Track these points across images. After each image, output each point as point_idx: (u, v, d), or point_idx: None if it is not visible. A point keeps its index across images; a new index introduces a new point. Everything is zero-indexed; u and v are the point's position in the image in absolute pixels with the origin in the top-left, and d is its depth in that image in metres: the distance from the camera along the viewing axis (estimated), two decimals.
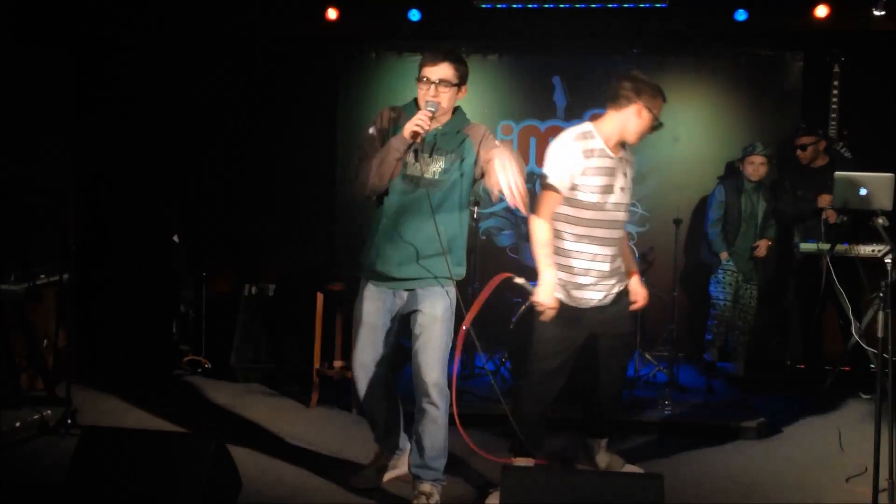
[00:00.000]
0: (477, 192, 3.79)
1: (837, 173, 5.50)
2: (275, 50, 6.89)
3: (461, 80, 3.64)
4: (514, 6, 5.99)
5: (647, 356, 5.94)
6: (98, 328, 6.30)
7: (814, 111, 6.43)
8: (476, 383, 5.79)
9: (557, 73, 6.98)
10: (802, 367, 6.35)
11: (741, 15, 6.01)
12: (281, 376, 6.01)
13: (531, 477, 3.05)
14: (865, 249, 5.58)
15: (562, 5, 6.05)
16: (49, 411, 4.80)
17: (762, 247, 6.25)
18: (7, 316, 5.02)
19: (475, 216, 5.96)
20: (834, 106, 6.31)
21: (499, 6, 5.99)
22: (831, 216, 5.85)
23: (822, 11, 5.95)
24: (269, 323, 6.10)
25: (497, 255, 7.08)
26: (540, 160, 6.99)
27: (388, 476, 4.09)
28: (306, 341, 5.71)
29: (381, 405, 3.91)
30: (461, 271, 3.76)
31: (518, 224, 7.11)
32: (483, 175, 3.64)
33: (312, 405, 5.46)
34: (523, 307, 4.13)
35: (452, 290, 3.74)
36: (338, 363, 5.74)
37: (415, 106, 3.69)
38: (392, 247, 3.67)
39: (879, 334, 3.39)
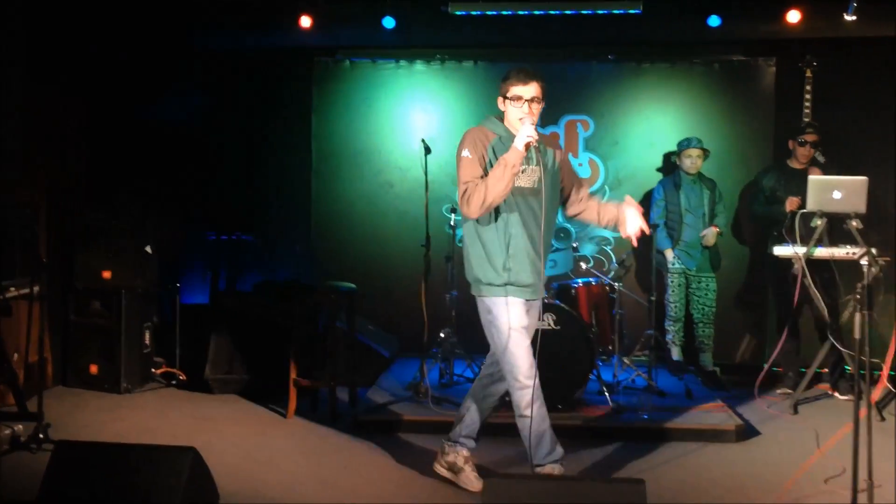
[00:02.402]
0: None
1: (811, 177, 5.53)
2: (248, 59, 6.85)
3: (544, 94, 3.91)
4: (489, 13, 5.97)
5: (626, 361, 5.94)
6: (72, 341, 6.20)
7: (787, 116, 6.48)
8: (455, 391, 5.75)
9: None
10: (780, 369, 6.38)
11: (714, 21, 6.05)
12: (257, 388, 5.93)
13: (514, 486, 3.02)
14: (840, 252, 5.60)
15: (536, 12, 6.04)
16: (20, 426, 4.71)
17: (709, 235, 6.33)
18: None
19: (452, 223, 5.95)
20: (807, 110, 6.37)
21: (473, 13, 5.97)
22: (792, 204, 5.88)
23: (794, 17, 6.00)
24: (245, 334, 6.03)
25: None
26: None
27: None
28: (282, 352, 5.65)
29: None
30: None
31: None
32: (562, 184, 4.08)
33: (290, 416, 5.40)
34: None
35: None
36: (314, 373, 5.69)
37: (496, 121, 4.00)
38: (526, 257, 3.90)
39: (856, 335, 3.40)
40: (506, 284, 3.90)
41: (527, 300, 3.96)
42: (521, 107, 3.86)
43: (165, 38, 6.39)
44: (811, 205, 5.55)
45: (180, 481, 3.26)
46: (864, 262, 3.43)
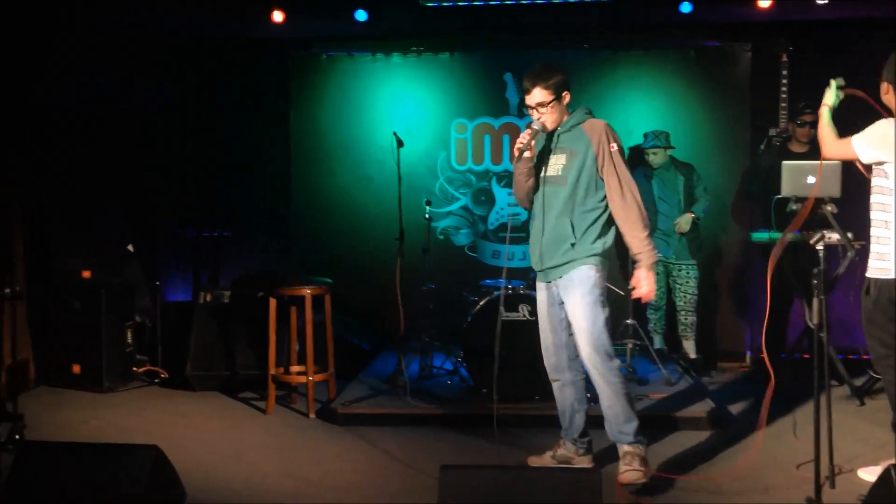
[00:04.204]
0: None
1: (785, 162, 5.51)
2: (224, 55, 6.84)
3: (558, 92, 3.98)
4: (460, 4, 5.95)
5: None
6: (54, 341, 6.21)
7: (764, 100, 6.46)
8: (435, 383, 5.77)
9: (509, 69, 6.97)
10: (763, 355, 6.37)
11: (686, 7, 6.02)
12: (237, 384, 5.95)
13: (470, 476, 3.03)
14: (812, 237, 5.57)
15: (508, 1, 6.01)
16: None
17: (682, 222, 6.29)
18: None
19: (427, 215, 5.95)
20: (783, 95, 6.34)
21: (444, 4, 5.95)
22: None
23: (765, 2, 5.97)
24: (224, 330, 6.04)
25: (455, 254, 7.07)
26: (495, 158, 7.05)
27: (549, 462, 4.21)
28: (262, 347, 5.66)
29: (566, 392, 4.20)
30: (598, 250, 4.03)
31: (475, 222, 7.10)
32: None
33: (269, 411, 5.42)
34: None
35: (593, 272, 4.00)
36: (294, 368, 5.70)
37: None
38: (536, 242, 4.10)
39: (814, 321, 3.40)
40: (533, 267, 4.22)
41: (547, 282, 4.16)
42: (532, 112, 4.03)
43: (134, 28, 6.32)
44: (785, 190, 5.54)
45: (142, 480, 3.28)
46: (820, 247, 3.43)
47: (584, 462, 4.19)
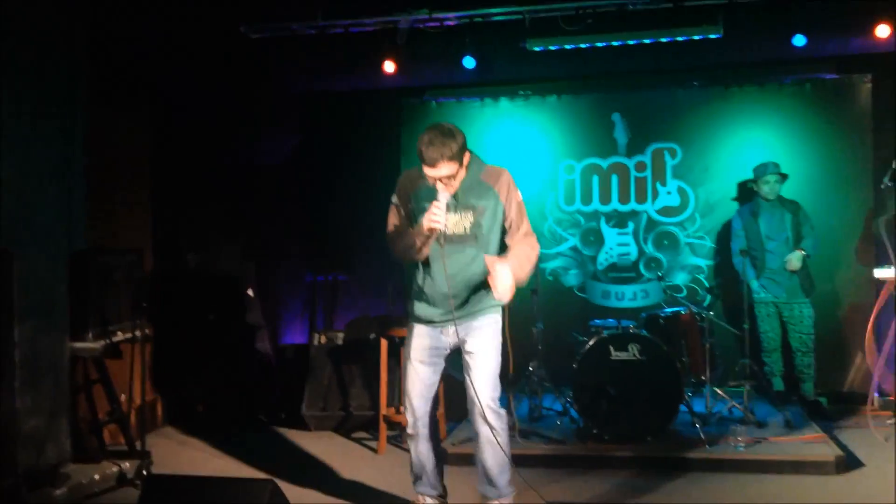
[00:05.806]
0: None
1: None
2: (336, 106, 7.10)
3: (461, 157, 3.70)
4: (566, 47, 6.02)
5: (720, 392, 5.76)
6: (180, 382, 6.52)
7: (886, 134, 6.22)
8: (545, 424, 5.73)
9: (617, 109, 6.96)
10: (893, 398, 6.07)
11: (799, 40, 5.89)
12: (350, 423, 6.08)
13: None
14: None
15: (613, 43, 6.04)
16: (128, 463, 4.98)
17: (793, 259, 6.09)
18: (89, 372, 5.25)
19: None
20: None
21: (551, 48, 6.03)
22: None
23: (883, 31, 5.78)
24: (338, 371, 6.20)
25: (564, 294, 7.04)
26: (603, 198, 7.02)
27: None
28: (374, 388, 5.78)
29: (427, 445, 4.09)
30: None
31: (585, 263, 7.06)
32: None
33: (381, 451, 5.51)
34: None
35: (498, 317, 3.97)
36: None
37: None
38: (438, 297, 3.89)
39: None
40: (415, 315, 4.03)
41: (438, 328, 3.98)
42: (433, 184, 3.71)
43: (250, 80, 6.65)
44: None
45: None
46: None
47: None
